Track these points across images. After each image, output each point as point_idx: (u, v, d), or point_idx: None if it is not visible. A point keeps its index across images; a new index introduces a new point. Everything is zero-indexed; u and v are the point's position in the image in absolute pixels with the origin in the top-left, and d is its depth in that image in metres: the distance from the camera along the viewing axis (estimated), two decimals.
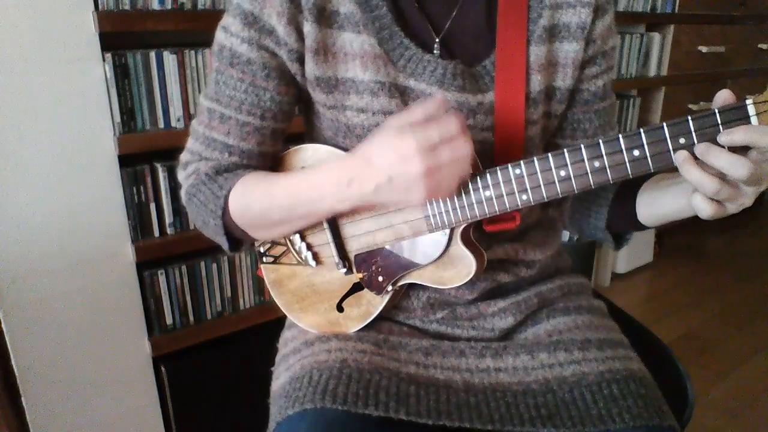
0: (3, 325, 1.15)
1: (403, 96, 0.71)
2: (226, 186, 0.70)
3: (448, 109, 0.61)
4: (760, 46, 2.66)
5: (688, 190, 0.64)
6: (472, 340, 0.77)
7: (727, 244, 2.98)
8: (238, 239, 0.76)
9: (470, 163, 0.61)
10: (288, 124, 0.76)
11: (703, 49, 2.35)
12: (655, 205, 0.70)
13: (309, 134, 0.81)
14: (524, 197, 0.65)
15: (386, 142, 0.59)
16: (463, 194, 0.67)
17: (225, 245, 0.75)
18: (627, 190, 0.74)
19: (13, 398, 1.20)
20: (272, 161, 0.78)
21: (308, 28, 0.68)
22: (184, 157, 0.77)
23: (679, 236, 2.97)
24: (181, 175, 0.77)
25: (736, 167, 0.54)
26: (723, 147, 0.56)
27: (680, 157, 0.57)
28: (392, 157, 0.58)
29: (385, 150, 0.59)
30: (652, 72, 2.23)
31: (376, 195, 0.61)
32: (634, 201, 0.73)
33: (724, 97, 0.58)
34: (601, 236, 0.81)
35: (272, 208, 0.69)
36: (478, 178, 0.66)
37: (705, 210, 0.58)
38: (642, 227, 0.74)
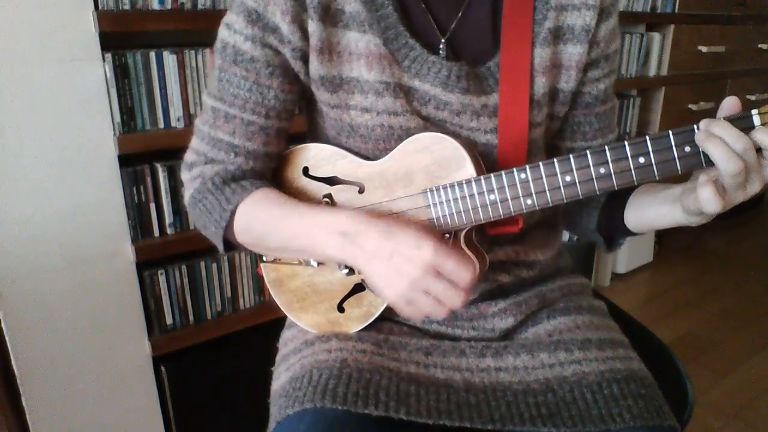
0: (3, 325, 1.15)
1: (408, 96, 0.71)
2: (233, 200, 0.70)
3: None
4: (760, 46, 2.66)
5: (675, 199, 0.64)
6: (473, 340, 0.77)
7: (727, 244, 2.98)
8: (233, 245, 0.76)
9: (447, 311, 0.60)
10: (291, 123, 0.76)
11: (703, 49, 2.35)
12: (642, 211, 0.71)
13: (312, 133, 0.81)
14: (529, 202, 0.65)
15: (416, 231, 0.59)
16: (468, 198, 0.67)
17: (221, 249, 0.75)
18: (617, 195, 0.75)
19: (13, 398, 1.20)
20: (276, 161, 0.78)
21: (313, 27, 0.68)
22: (188, 157, 0.77)
23: (679, 236, 2.97)
24: (185, 176, 0.77)
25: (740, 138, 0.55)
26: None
27: (702, 136, 0.57)
28: (409, 244, 0.58)
29: (409, 236, 0.58)
30: (652, 72, 2.23)
31: (368, 260, 0.60)
32: (623, 206, 0.74)
33: (730, 104, 0.58)
34: (593, 237, 0.81)
35: (271, 235, 0.69)
36: (483, 181, 0.66)
37: (714, 203, 0.57)
38: (629, 232, 0.75)
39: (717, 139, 0.56)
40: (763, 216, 3.38)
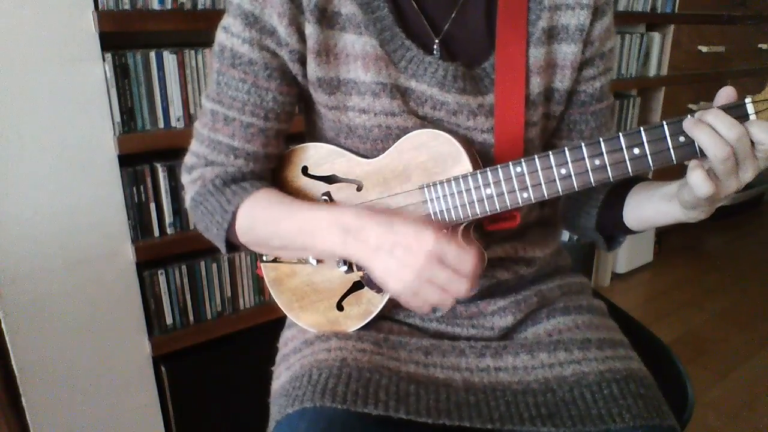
0: (3, 325, 1.15)
1: (404, 97, 0.71)
2: (234, 201, 0.70)
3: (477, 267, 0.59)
4: (760, 46, 2.66)
5: (672, 196, 0.64)
6: (472, 339, 0.77)
7: (727, 244, 2.98)
8: (235, 245, 0.76)
9: (452, 300, 0.60)
10: (290, 124, 0.77)
11: (703, 49, 2.35)
12: (640, 210, 0.71)
13: (310, 134, 0.81)
14: (525, 195, 0.66)
15: (416, 223, 0.59)
16: (464, 192, 0.67)
17: (223, 250, 0.75)
18: (616, 193, 0.75)
19: (13, 398, 1.20)
20: (276, 162, 0.78)
21: (310, 29, 0.68)
22: (188, 159, 0.77)
23: (679, 236, 2.97)
24: (185, 179, 0.77)
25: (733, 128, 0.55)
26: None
27: (689, 123, 0.57)
28: (410, 235, 0.58)
29: (409, 228, 0.58)
30: (652, 72, 2.23)
31: (372, 255, 0.60)
32: (622, 204, 0.73)
33: (726, 94, 0.58)
34: (593, 236, 0.81)
35: (272, 234, 0.69)
36: (479, 175, 0.67)
37: (704, 187, 0.57)
38: (629, 231, 0.75)
39: (704, 125, 0.56)
40: (762, 216, 3.38)
